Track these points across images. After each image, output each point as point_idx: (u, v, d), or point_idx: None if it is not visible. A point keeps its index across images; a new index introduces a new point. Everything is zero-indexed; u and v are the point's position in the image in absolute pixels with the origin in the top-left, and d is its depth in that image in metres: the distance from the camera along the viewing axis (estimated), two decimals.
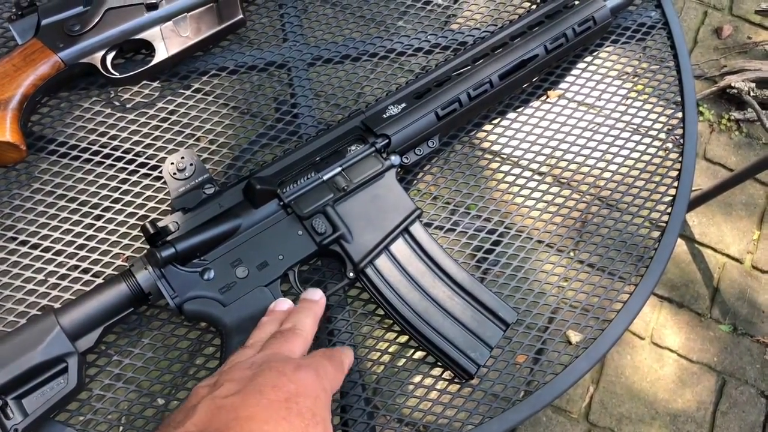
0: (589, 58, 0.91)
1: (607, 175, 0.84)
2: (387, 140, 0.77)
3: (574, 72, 0.90)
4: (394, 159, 0.77)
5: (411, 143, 0.79)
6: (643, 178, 0.84)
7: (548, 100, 0.88)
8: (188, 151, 0.74)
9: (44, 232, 0.77)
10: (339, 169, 0.75)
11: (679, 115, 0.88)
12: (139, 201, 0.79)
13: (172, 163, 0.73)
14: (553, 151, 0.85)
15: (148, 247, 0.71)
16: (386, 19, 0.91)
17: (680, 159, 0.85)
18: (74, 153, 0.81)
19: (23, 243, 0.76)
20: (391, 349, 0.74)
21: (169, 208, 0.78)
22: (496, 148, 0.85)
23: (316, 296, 0.68)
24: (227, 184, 0.75)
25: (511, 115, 0.87)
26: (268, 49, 0.88)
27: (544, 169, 0.84)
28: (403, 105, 0.79)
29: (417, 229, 0.76)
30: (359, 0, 0.93)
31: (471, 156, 0.85)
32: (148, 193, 0.79)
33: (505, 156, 0.85)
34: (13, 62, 0.78)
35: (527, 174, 0.84)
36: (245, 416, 0.50)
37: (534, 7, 0.93)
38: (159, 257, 0.67)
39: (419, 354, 0.75)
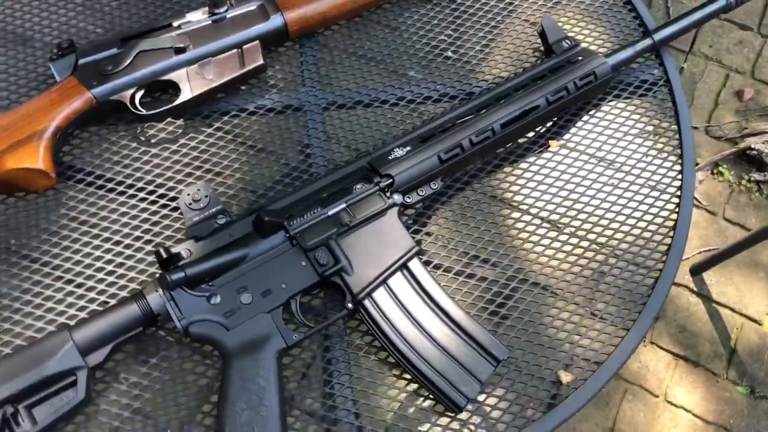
0: (592, 111, 0.95)
1: (605, 222, 0.87)
2: (391, 180, 0.81)
3: (578, 123, 0.94)
4: (397, 198, 0.82)
5: (414, 184, 0.83)
6: (640, 227, 0.87)
7: (550, 149, 0.92)
8: (204, 183, 0.80)
9: (66, 254, 0.82)
10: (344, 205, 0.80)
11: (678, 167, 0.91)
12: (156, 229, 0.84)
13: (189, 194, 0.79)
14: (563, 200, 0.89)
15: (161, 272, 0.75)
16: (398, 69, 0.97)
17: (677, 210, 0.88)
18: (100, 182, 0.87)
19: (45, 264, 0.81)
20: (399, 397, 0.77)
21: (183, 237, 0.83)
22: (507, 195, 0.89)
23: None
24: (239, 215, 0.79)
25: (522, 164, 0.91)
26: (286, 93, 0.94)
27: (551, 216, 0.88)
28: (408, 148, 0.84)
29: (415, 265, 0.80)
30: (374, 50, 0.99)
31: (482, 202, 0.89)
32: (166, 222, 0.84)
33: (515, 203, 0.89)
34: (51, 97, 0.85)
35: (536, 221, 0.87)
36: None
37: (539, 62, 0.98)
38: (169, 280, 0.72)
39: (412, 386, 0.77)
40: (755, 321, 1.92)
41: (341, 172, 0.83)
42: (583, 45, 0.98)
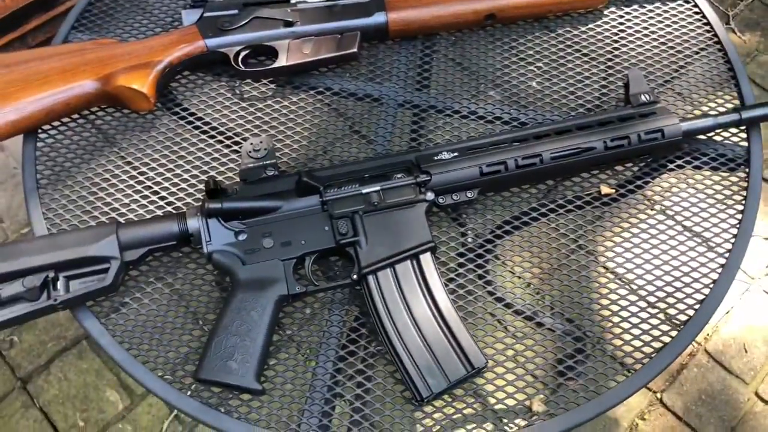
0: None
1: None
2: (428, 177, 0.87)
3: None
4: (429, 195, 0.87)
5: (450, 187, 0.88)
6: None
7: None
8: (267, 137, 0.90)
9: (144, 169, 0.95)
10: (378, 187, 0.86)
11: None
12: (222, 169, 0.95)
13: (251, 143, 0.89)
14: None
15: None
16: (480, 85, 1.02)
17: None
18: (190, 119, 0.99)
19: (131, 168, 0.95)
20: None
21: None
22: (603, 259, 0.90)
23: None
24: (287, 172, 0.88)
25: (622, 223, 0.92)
26: (371, 83, 1.02)
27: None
28: (455, 154, 0.89)
29: (426, 259, 0.84)
30: (464, 62, 1.05)
31: (567, 246, 0.90)
32: (232, 165, 0.95)
33: (607, 268, 0.90)
34: (171, 38, 0.99)
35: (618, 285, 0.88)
36: None
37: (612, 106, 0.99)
38: (207, 208, 0.82)
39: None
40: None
41: (389, 159, 0.89)
42: (664, 103, 0.98)
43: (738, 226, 0.90)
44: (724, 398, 1.69)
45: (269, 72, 1.00)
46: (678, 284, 0.86)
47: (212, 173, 0.95)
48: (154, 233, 0.84)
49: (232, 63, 0.99)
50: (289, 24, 1.00)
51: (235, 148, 0.97)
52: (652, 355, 0.81)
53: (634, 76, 0.95)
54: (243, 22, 1.00)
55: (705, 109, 1.00)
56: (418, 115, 1.00)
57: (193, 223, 0.84)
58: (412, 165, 0.88)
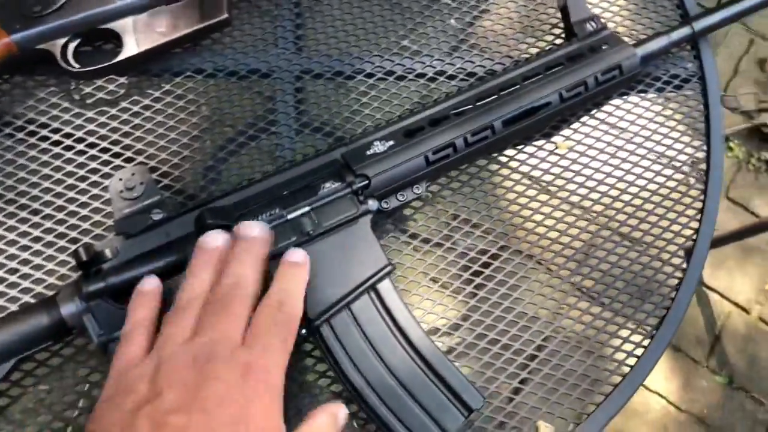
0: (609, 109, 0.81)
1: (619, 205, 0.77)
2: (366, 182, 0.68)
3: (591, 122, 0.80)
4: (372, 204, 0.68)
5: (394, 187, 0.70)
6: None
7: (557, 150, 0.79)
8: (141, 167, 0.66)
9: None
10: (307, 208, 0.66)
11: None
12: (84, 212, 0.71)
13: (121, 179, 0.65)
14: (575, 176, 0.76)
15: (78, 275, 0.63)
16: (390, 35, 0.82)
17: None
18: (23, 138, 0.72)
19: None
20: None
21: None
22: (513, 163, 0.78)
23: (254, 232, 0.59)
24: (179, 210, 0.66)
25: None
26: (254, 54, 0.79)
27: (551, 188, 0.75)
28: (391, 143, 0.70)
29: (386, 287, 0.67)
30: (364, 11, 0.83)
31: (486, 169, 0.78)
32: (95, 204, 0.71)
33: (524, 173, 0.77)
34: None
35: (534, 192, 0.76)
36: None
37: (559, 42, 0.83)
38: (85, 291, 0.60)
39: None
40: (744, 309, 1.84)
41: (309, 164, 0.69)
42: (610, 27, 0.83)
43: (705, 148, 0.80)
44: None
45: (117, 66, 0.74)
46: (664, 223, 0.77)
47: (73, 234, 0.70)
48: (18, 337, 0.61)
49: (60, 62, 0.72)
50: None
51: (94, 179, 0.72)
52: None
53: (572, 1, 0.79)
54: (61, 2, 0.72)
55: (645, 22, 0.86)
56: (326, 87, 0.79)
57: (71, 310, 0.61)
58: (341, 167, 0.69)
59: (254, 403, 0.49)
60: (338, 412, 0.55)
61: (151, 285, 0.60)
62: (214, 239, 0.59)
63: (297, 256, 0.61)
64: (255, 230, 0.60)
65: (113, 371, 0.53)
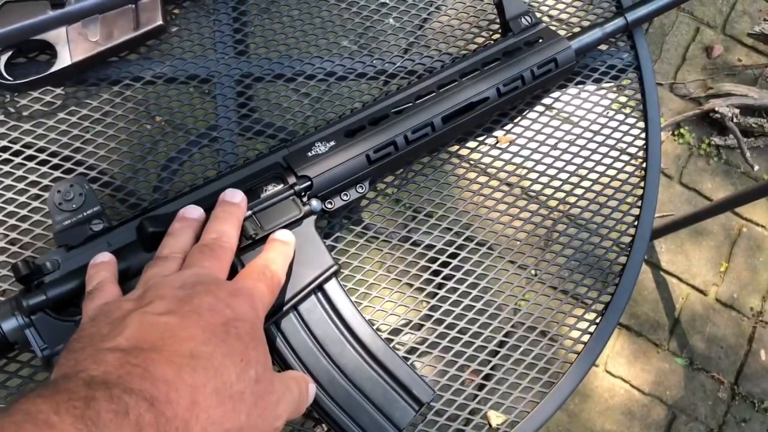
0: (548, 101, 0.82)
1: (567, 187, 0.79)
2: (309, 183, 0.68)
3: (531, 115, 0.81)
4: (315, 205, 0.69)
5: (337, 187, 0.70)
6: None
7: (498, 144, 0.80)
8: (80, 178, 0.65)
9: None
10: (249, 212, 0.66)
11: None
12: (25, 226, 0.70)
13: (59, 192, 0.64)
14: (524, 161, 0.77)
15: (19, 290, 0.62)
16: (329, 36, 0.82)
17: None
18: None
19: None
20: None
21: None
22: (463, 152, 0.79)
23: (236, 198, 0.62)
24: (120, 220, 0.66)
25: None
26: (192, 60, 0.78)
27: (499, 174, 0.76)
28: (332, 143, 0.70)
29: (332, 287, 0.68)
30: (302, 13, 0.83)
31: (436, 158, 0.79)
32: (36, 217, 0.70)
33: (472, 162, 0.79)
34: None
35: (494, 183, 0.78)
36: (184, 336, 0.46)
37: (496, 37, 0.84)
38: (26, 305, 0.59)
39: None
40: (701, 291, 1.88)
41: (250, 168, 0.69)
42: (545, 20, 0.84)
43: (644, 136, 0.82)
44: None
45: (52, 77, 0.73)
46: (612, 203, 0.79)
47: (11, 236, 0.70)
48: None
49: None
50: (58, 4, 0.72)
51: (33, 191, 0.71)
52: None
53: None
54: None
55: (581, 15, 0.88)
56: (266, 90, 0.79)
57: (12, 325, 0.61)
58: (282, 169, 0.69)
59: (244, 317, 0.50)
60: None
61: (104, 257, 0.60)
62: (195, 210, 0.61)
63: (286, 235, 0.63)
64: (237, 197, 0.62)
65: (86, 314, 0.53)
